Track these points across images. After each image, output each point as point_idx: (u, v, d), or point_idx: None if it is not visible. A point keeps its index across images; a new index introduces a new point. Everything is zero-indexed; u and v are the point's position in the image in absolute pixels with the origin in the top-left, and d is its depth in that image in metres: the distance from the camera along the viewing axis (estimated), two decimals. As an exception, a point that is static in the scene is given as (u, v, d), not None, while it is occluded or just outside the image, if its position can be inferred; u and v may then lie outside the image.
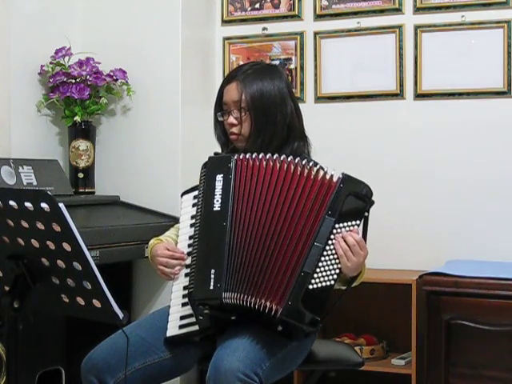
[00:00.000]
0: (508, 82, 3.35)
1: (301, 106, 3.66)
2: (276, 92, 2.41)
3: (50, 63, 3.38)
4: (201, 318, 2.24)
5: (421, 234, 3.48)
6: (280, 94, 2.42)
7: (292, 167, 2.26)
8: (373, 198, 2.23)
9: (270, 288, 2.18)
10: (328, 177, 2.23)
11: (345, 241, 2.18)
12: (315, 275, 2.15)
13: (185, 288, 2.30)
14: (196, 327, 2.28)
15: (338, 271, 2.17)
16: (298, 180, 2.24)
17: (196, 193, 2.38)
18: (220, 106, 2.48)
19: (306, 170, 2.24)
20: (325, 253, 2.17)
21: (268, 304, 2.17)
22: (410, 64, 3.50)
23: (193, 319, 2.28)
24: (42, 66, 3.37)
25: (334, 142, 3.57)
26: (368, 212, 2.23)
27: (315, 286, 2.15)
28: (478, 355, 2.98)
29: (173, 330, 2.33)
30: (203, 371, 2.21)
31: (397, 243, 3.51)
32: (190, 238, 2.35)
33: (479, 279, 2.99)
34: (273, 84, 2.42)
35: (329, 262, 2.17)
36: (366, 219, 2.24)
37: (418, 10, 3.49)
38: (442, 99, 3.46)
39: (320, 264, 2.16)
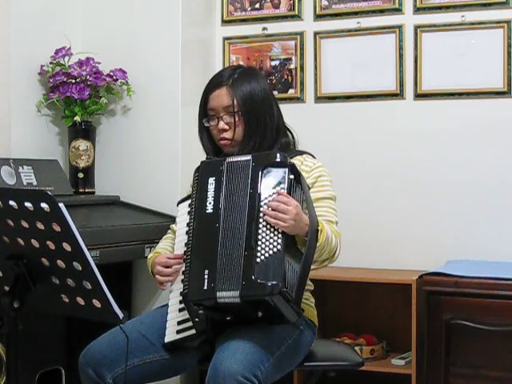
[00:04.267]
0: (508, 82, 3.35)
1: (301, 105, 3.70)
2: (263, 94, 2.46)
3: (50, 63, 3.38)
4: (196, 319, 2.25)
5: (421, 234, 3.48)
6: (266, 96, 2.47)
7: (239, 164, 2.31)
8: (290, 161, 2.29)
9: (234, 278, 2.20)
10: (245, 162, 2.30)
11: (269, 207, 2.22)
12: (259, 248, 2.19)
13: (181, 294, 2.31)
14: (193, 331, 2.29)
15: (280, 235, 2.20)
16: (241, 174, 2.30)
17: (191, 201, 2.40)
18: (205, 113, 2.49)
19: (242, 163, 2.31)
20: (260, 225, 2.21)
21: (233, 293, 2.18)
22: (409, 64, 3.50)
23: (190, 323, 2.29)
24: (42, 65, 3.37)
25: (334, 142, 3.57)
26: (295, 174, 2.27)
27: (262, 257, 2.18)
28: (477, 355, 2.98)
29: (170, 335, 2.34)
30: (203, 371, 2.20)
31: (397, 243, 3.51)
32: (186, 244, 2.36)
33: (479, 279, 2.99)
34: (260, 86, 2.47)
35: (268, 232, 2.20)
36: (297, 181, 2.28)
37: (418, 9, 3.49)
38: (442, 99, 3.46)
39: (260, 237, 2.20)
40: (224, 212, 2.28)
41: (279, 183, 2.25)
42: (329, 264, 2.39)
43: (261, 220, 2.22)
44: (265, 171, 2.27)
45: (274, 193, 2.24)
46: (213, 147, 2.52)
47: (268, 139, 2.44)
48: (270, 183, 2.26)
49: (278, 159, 2.28)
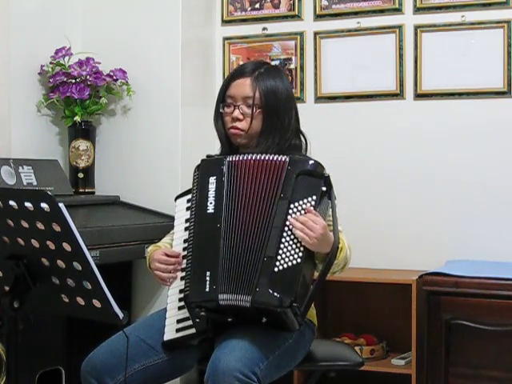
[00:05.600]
0: (508, 82, 3.35)
1: (301, 105, 3.68)
2: (286, 94, 2.43)
3: (50, 63, 3.38)
4: (197, 320, 2.24)
5: (421, 234, 3.48)
6: (289, 97, 2.44)
7: (264, 163, 2.28)
8: (326, 172, 2.26)
9: (246, 282, 2.19)
10: (281, 163, 2.26)
11: (297, 220, 2.18)
12: (278, 257, 2.17)
13: (181, 291, 2.31)
14: (193, 330, 2.28)
15: (302, 249, 2.18)
16: (264, 174, 2.28)
17: (189, 196, 2.39)
18: (223, 99, 2.46)
19: (270, 163, 2.28)
20: (284, 234, 2.19)
21: (244, 297, 2.18)
22: (409, 64, 3.50)
23: (190, 322, 2.28)
24: (42, 65, 3.37)
25: (334, 142, 3.57)
26: (327, 186, 2.24)
27: (281, 267, 2.16)
28: (478, 355, 2.98)
29: (170, 333, 2.32)
30: (203, 371, 2.20)
31: (397, 243, 3.51)
32: (185, 241, 2.35)
33: (479, 279, 2.99)
34: (283, 86, 2.43)
35: (290, 242, 2.18)
36: (328, 194, 2.25)
37: (418, 9, 3.49)
38: (442, 99, 3.46)
39: (282, 246, 2.18)
40: (229, 212, 2.26)
41: (311, 194, 2.21)
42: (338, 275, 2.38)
43: (286, 228, 2.19)
44: (299, 178, 2.23)
45: (304, 203, 2.20)
46: (226, 135, 2.47)
47: (284, 140, 2.40)
48: (302, 192, 2.22)
49: (316, 169, 2.25)
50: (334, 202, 2.28)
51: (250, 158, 2.31)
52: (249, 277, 2.19)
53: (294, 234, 2.18)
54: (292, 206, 2.21)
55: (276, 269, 2.16)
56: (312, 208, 2.20)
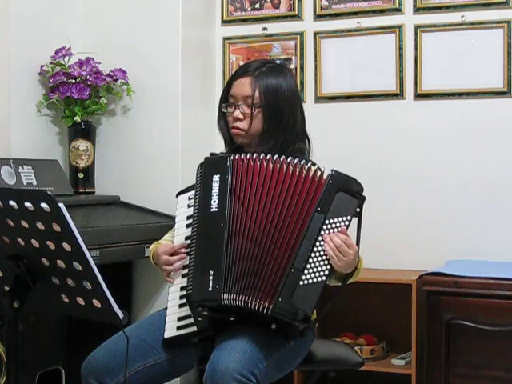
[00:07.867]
0: (508, 82, 3.35)
1: (301, 105, 3.66)
2: (289, 93, 2.40)
3: (50, 63, 3.38)
4: (199, 319, 2.23)
5: (421, 234, 3.48)
6: (292, 96, 2.41)
7: (285, 167, 2.25)
8: (364, 194, 2.21)
9: (264, 287, 2.18)
10: (318, 174, 2.23)
11: (332, 241, 2.16)
12: (305, 271, 2.15)
13: (182, 289, 2.30)
14: (194, 328, 2.28)
15: (328, 267, 2.16)
16: (290, 179, 2.24)
17: (191, 193, 2.37)
18: (226, 98, 2.46)
19: (298, 169, 2.24)
20: (315, 249, 2.17)
21: (261, 303, 2.17)
22: (409, 64, 3.50)
23: (191, 320, 2.28)
24: (42, 65, 3.37)
25: (334, 142, 3.57)
26: (361, 208, 2.21)
27: (306, 282, 2.15)
28: (478, 355, 2.98)
29: (170, 331, 2.32)
30: (203, 371, 2.20)
31: (397, 243, 3.51)
32: (187, 238, 2.34)
33: (479, 279, 2.99)
34: (287, 85, 2.40)
35: (319, 258, 2.17)
36: (359, 215, 2.22)
37: (417, 9, 3.49)
38: (442, 99, 3.47)
39: (310, 260, 2.16)
40: (232, 212, 2.24)
41: (347, 214, 2.18)
42: None
43: (317, 244, 2.17)
44: (338, 194, 2.19)
45: (339, 221, 2.17)
46: (229, 134, 2.46)
47: (288, 141, 2.38)
48: (338, 210, 2.18)
49: (358, 189, 2.20)
50: (361, 222, 2.24)
51: (256, 157, 2.28)
52: (266, 283, 2.18)
53: (323, 251, 2.16)
54: (327, 221, 2.18)
55: (301, 282, 2.15)
56: (345, 228, 2.18)
